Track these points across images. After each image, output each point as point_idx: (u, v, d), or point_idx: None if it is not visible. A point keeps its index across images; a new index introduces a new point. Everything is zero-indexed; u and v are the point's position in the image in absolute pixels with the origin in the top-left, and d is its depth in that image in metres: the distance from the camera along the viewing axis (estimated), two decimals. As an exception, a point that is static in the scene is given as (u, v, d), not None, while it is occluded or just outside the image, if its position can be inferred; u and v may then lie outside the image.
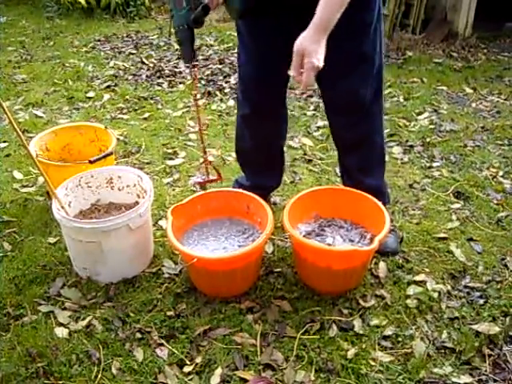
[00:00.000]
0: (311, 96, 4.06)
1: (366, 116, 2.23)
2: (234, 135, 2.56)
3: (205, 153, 2.30)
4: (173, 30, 2.01)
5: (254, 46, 2.16)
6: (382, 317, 2.09)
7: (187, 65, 2.11)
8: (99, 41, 5.36)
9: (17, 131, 1.97)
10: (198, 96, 2.26)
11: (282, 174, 2.67)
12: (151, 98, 3.99)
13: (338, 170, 3.05)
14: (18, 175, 3.05)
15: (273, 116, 2.38)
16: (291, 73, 1.81)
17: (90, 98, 4.07)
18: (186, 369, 1.90)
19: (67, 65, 4.72)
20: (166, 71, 4.54)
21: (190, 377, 1.87)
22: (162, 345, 1.98)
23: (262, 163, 2.54)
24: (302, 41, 1.76)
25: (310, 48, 1.74)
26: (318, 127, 3.57)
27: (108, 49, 5.14)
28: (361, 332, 2.03)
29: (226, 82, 4.22)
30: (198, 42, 5.24)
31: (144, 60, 4.79)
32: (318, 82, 2.15)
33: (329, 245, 2.20)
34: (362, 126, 2.25)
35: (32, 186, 2.94)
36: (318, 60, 1.74)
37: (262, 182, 2.58)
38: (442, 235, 2.52)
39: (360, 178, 2.38)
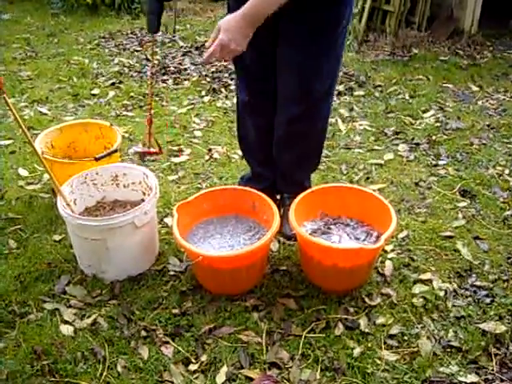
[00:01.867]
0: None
1: (312, 111, 2.24)
2: (236, 123, 2.56)
3: (150, 123, 2.26)
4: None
5: None
6: (387, 315, 2.09)
7: (150, 34, 2.11)
8: (104, 38, 5.35)
9: (22, 128, 1.97)
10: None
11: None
12: (156, 95, 3.98)
13: (344, 167, 3.05)
14: (23, 172, 3.04)
15: (271, 103, 2.35)
16: (207, 44, 1.85)
17: (94, 95, 4.06)
18: (192, 367, 1.90)
19: (72, 62, 4.71)
20: (171, 68, 4.53)
21: (195, 375, 1.87)
22: (167, 343, 1.98)
23: (264, 152, 2.51)
24: (225, 20, 1.81)
25: (227, 27, 1.78)
26: (324, 125, 3.55)
27: (112, 46, 5.13)
28: (367, 330, 2.02)
29: (232, 79, 4.20)
30: (202, 38, 5.24)
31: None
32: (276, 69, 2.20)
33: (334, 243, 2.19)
34: (306, 119, 2.25)
35: (37, 183, 2.94)
36: (234, 42, 1.79)
37: (266, 173, 2.57)
38: (448, 233, 2.51)
39: (291, 168, 2.46)
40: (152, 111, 2.25)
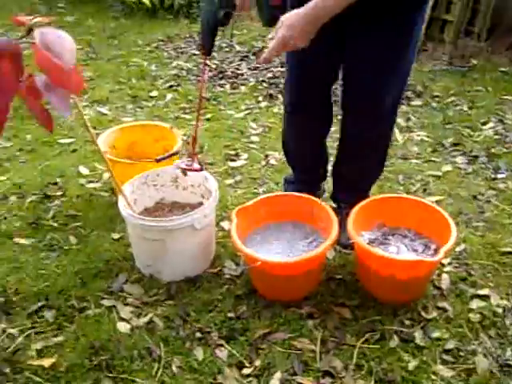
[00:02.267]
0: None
1: (379, 124, 2.25)
2: (281, 132, 2.58)
3: (194, 143, 2.28)
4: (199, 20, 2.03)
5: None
6: (443, 330, 2.05)
7: (203, 54, 2.13)
8: (162, 41, 5.43)
9: (88, 129, 2.01)
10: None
11: (327, 169, 2.67)
12: (213, 99, 4.02)
13: (400, 178, 3.03)
14: (83, 170, 3.12)
15: (317, 113, 2.36)
16: (269, 37, 1.86)
17: (153, 97, 4.13)
18: (245, 371, 1.90)
19: (131, 64, 4.80)
20: (228, 73, 4.57)
21: (248, 379, 1.88)
22: (221, 345, 1.99)
23: (307, 160, 2.56)
24: (288, 15, 1.78)
25: (288, 23, 1.76)
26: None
27: (171, 49, 5.20)
28: (422, 344, 1.99)
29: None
30: (259, 44, 5.27)
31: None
32: (343, 77, 2.20)
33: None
34: (372, 132, 2.26)
35: (97, 182, 3.01)
36: (292, 37, 1.76)
37: (308, 178, 2.59)
38: (508, 249, 2.45)
39: (353, 177, 2.47)
40: (198, 128, 2.28)
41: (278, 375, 1.88)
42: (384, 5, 1.88)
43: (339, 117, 2.37)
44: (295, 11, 1.77)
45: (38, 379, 1.88)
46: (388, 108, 2.18)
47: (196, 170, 2.31)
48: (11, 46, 1.04)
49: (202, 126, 3.61)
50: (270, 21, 2.00)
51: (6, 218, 2.70)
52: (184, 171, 2.32)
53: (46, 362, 1.93)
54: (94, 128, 3.50)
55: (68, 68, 1.08)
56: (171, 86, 4.30)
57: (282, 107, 2.52)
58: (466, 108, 3.95)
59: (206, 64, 2.13)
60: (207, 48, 2.06)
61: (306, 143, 2.49)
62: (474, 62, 4.78)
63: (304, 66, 2.20)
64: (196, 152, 2.28)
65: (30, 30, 1.08)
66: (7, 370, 1.90)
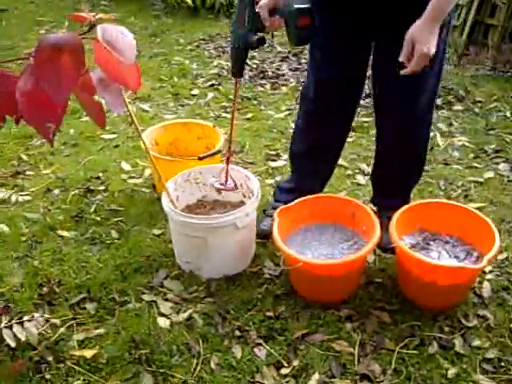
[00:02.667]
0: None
1: (416, 124, 2.25)
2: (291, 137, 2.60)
3: (227, 163, 2.32)
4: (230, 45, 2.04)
5: (331, 45, 2.17)
6: (484, 338, 2.03)
7: (233, 76, 2.15)
8: (203, 40, 5.47)
9: (136, 125, 2.04)
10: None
11: (327, 180, 2.64)
12: (254, 99, 4.04)
13: (441, 183, 3.00)
14: (125, 166, 3.16)
15: (336, 120, 2.37)
16: (401, 59, 1.87)
17: (194, 95, 4.16)
18: (283, 371, 1.91)
19: (173, 62, 4.84)
20: (269, 73, 4.58)
21: (286, 379, 1.89)
22: (260, 344, 2.01)
23: (312, 167, 2.52)
24: (413, 30, 1.84)
25: (420, 36, 1.82)
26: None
27: (212, 48, 5.23)
28: (461, 352, 1.97)
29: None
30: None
31: (247, 61, 4.84)
32: (374, 80, 2.23)
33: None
34: (409, 133, 2.27)
35: (139, 178, 3.04)
36: (428, 48, 1.82)
37: (306, 186, 2.52)
38: (552, 259, 2.42)
39: (393, 179, 2.46)
40: (231, 150, 2.31)
41: (315, 376, 1.89)
42: (411, 7, 1.90)
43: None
44: (419, 24, 1.83)
45: (79, 369, 1.92)
46: (423, 108, 2.19)
47: (230, 190, 2.35)
48: (73, 41, 1.06)
49: (242, 126, 3.64)
50: (298, 42, 2.04)
51: (50, 211, 2.75)
52: (218, 190, 2.36)
53: (88, 353, 1.97)
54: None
55: (128, 64, 1.10)
56: (212, 85, 4.33)
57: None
58: (508, 114, 3.89)
59: (237, 85, 2.18)
60: (238, 71, 2.09)
61: (315, 147, 2.46)
62: (518, 67, 4.71)
63: (332, 70, 2.20)
64: (232, 152, 2.30)
65: (92, 26, 1.10)
66: (50, 359, 1.94)
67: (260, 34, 1.97)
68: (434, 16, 1.82)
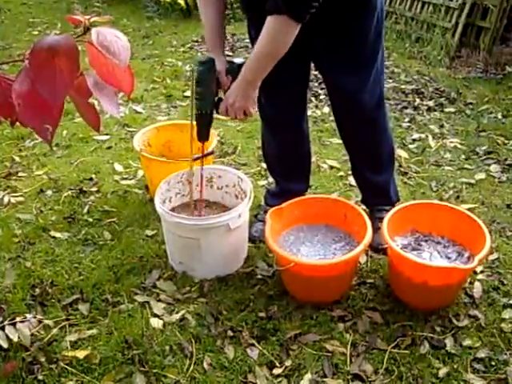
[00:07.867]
0: (406, 107, 4.01)
1: (367, 123, 2.29)
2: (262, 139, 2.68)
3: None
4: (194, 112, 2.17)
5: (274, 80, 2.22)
6: (475, 338, 2.04)
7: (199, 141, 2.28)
8: (196, 41, 5.48)
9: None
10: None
11: (308, 179, 2.68)
12: (247, 101, 4.04)
13: (433, 184, 3.02)
14: (118, 167, 3.16)
15: (289, 127, 2.45)
16: (220, 112, 2.13)
17: (187, 97, 4.16)
18: (276, 371, 1.92)
19: (165, 63, 4.86)
20: (262, 75, 4.58)
21: (279, 379, 1.89)
22: (252, 345, 2.01)
23: (286, 169, 2.59)
24: (230, 93, 2.03)
25: (237, 102, 2.01)
26: (414, 139, 3.53)
27: (205, 50, 5.22)
28: (453, 351, 1.98)
29: (322, 89, 4.21)
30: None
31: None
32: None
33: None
34: (364, 132, 2.32)
35: (132, 179, 3.05)
36: (247, 109, 2.04)
37: (289, 187, 2.57)
38: (542, 260, 2.43)
39: (368, 175, 2.49)
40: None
41: (308, 376, 1.89)
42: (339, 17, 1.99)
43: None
44: (232, 88, 2.02)
45: (72, 370, 1.92)
46: (371, 103, 2.23)
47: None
48: (68, 44, 1.07)
49: (235, 128, 3.64)
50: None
51: (42, 212, 2.76)
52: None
53: (80, 354, 1.97)
54: (127, 126, 3.57)
55: (122, 67, 1.11)
56: (205, 87, 4.32)
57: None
58: (500, 116, 3.91)
59: (203, 153, 2.35)
60: (204, 138, 2.27)
61: (282, 150, 2.54)
62: (510, 69, 4.74)
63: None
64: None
65: (86, 29, 1.10)
66: (43, 360, 1.94)
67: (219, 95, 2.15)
68: (247, 79, 1.97)
